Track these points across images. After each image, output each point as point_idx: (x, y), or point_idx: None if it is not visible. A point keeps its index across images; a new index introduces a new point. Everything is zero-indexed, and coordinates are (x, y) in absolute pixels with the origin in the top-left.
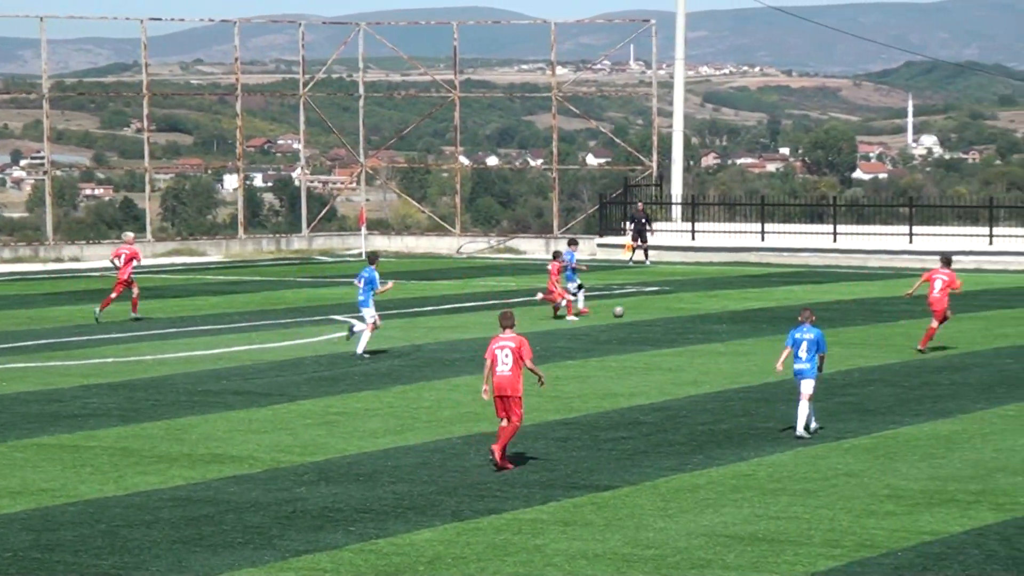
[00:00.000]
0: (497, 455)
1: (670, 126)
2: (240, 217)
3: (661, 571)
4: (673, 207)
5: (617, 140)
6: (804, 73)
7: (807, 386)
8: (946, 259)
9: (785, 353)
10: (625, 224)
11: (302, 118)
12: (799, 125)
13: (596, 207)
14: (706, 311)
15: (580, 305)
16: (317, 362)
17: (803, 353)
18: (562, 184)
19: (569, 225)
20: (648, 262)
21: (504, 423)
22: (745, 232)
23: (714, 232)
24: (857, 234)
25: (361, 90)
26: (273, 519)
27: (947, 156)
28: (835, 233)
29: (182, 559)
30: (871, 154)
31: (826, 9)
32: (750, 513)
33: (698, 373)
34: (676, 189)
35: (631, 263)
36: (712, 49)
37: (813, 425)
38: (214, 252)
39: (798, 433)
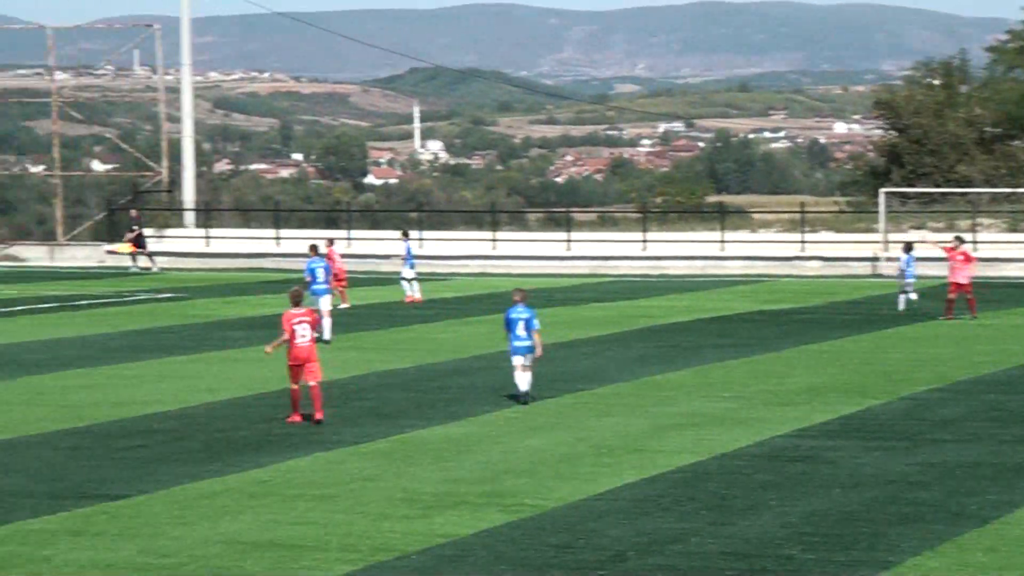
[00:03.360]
0: (320, 414)
1: (179, 131)
2: None
3: None
4: (186, 213)
5: (124, 146)
6: (314, 79)
7: (527, 360)
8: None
9: None
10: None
11: None
12: (311, 131)
13: (104, 213)
14: (222, 317)
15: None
16: None
17: (521, 332)
18: (67, 191)
19: (75, 232)
20: (156, 267)
21: (309, 383)
22: (261, 238)
23: (229, 238)
24: (370, 239)
25: None
26: None
27: (452, 161)
28: (350, 239)
29: None
30: (382, 160)
31: (333, 15)
32: (268, 519)
33: (214, 380)
34: (188, 195)
35: (136, 269)
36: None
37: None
38: None
39: (523, 393)
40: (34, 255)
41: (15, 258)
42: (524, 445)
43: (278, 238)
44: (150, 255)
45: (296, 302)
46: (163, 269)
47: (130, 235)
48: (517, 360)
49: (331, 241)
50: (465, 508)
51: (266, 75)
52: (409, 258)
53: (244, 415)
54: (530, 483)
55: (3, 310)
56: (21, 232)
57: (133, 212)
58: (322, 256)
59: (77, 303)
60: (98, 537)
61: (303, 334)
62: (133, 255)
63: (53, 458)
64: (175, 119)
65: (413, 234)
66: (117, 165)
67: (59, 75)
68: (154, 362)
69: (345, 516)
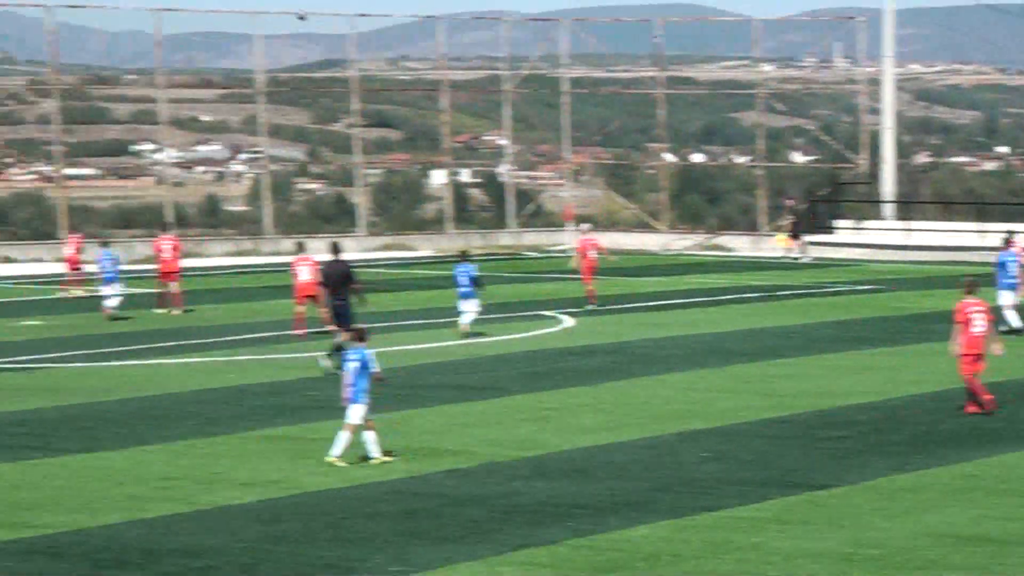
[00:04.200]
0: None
1: (879, 124)
2: (448, 212)
3: (884, 571)
4: (885, 206)
5: (824, 137)
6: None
7: None
8: None
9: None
10: (792, 220)
11: (507, 114)
12: (1018, 124)
13: (804, 205)
14: (923, 311)
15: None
16: (526, 357)
17: None
18: (768, 181)
19: (777, 223)
20: (807, 257)
21: (976, 376)
22: (962, 231)
23: (929, 231)
24: None
25: (565, 86)
26: (490, 513)
27: None
28: None
29: (402, 551)
30: None
31: None
32: (977, 514)
33: (916, 373)
34: (887, 187)
35: (796, 258)
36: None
37: None
38: (424, 247)
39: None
40: (738, 244)
41: (722, 247)
42: None
43: (981, 231)
44: (805, 243)
45: (971, 291)
46: (862, 261)
47: (787, 224)
48: None
49: (1010, 234)
50: None
51: (970, 67)
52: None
53: (947, 408)
54: None
55: (713, 299)
56: (727, 222)
57: (789, 200)
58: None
59: (779, 293)
60: (804, 526)
61: (980, 324)
62: (795, 248)
63: (759, 446)
64: (875, 111)
65: None
66: (817, 157)
67: (764, 67)
68: (855, 353)
69: None
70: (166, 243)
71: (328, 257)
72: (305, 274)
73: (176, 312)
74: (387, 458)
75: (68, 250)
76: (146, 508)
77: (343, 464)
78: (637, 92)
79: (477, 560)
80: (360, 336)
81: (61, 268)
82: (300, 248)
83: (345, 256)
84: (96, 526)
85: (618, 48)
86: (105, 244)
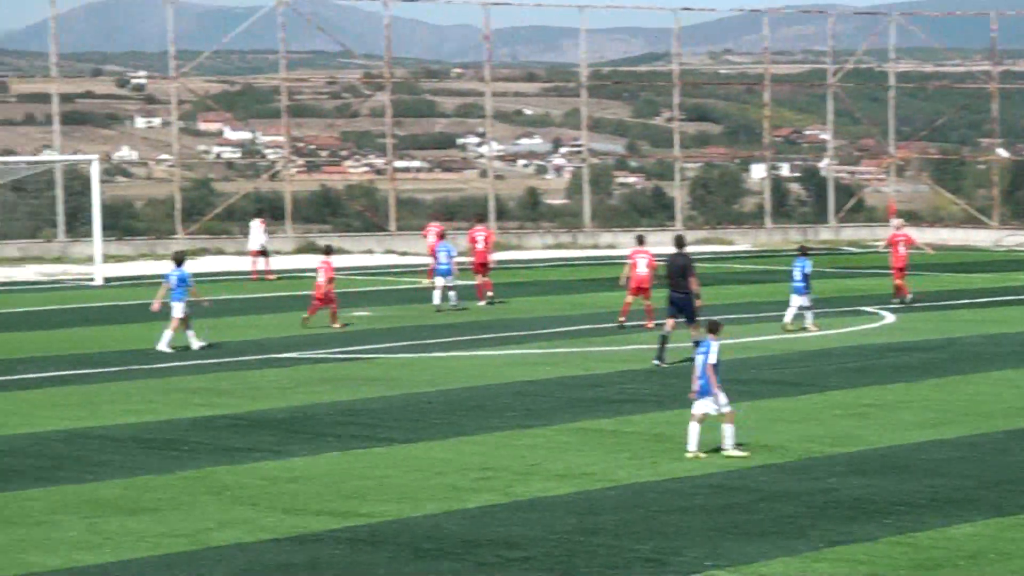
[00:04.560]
0: None
1: None
2: (767, 207)
3: None
4: None
5: None
6: None
7: None
8: None
9: None
10: None
11: (830, 108)
12: None
13: None
14: None
15: None
16: (846, 353)
17: None
18: None
19: None
20: None
21: None
22: None
23: None
24: None
25: (892, 80)
26: (806, 509)
27: None
28: None
29: (717, 546)
30: None
31: None
32: None
33: None
34: None
35: None
36: None
37: None
38: (741, 241)
39: None
40: None
41: None
42: None
43: None
44: None
45: None
46: None
47: None
48: None
49: None
50: None
51: None
52: None
53: None
54: None
55: None
56: None
57: None
58: None
59: None
60: None
61: None
62: None
63: None
64: None
65: None
66: None
67: None
68: None
69: None
70: (479, 234)
71: (671, 250)
72: (642, 267)
73: (482, 303)
74: (740, 453)
75: (430, 239)
76: (465, 498)
77: (703, 455)
78: (968, 87)
79: (792, 556)
80: (713, 328)
81: (390, 260)
82: (640, 241)
83: (688, 250)
84: (417, 515)
85: (949, 42)
86: (443, 237)
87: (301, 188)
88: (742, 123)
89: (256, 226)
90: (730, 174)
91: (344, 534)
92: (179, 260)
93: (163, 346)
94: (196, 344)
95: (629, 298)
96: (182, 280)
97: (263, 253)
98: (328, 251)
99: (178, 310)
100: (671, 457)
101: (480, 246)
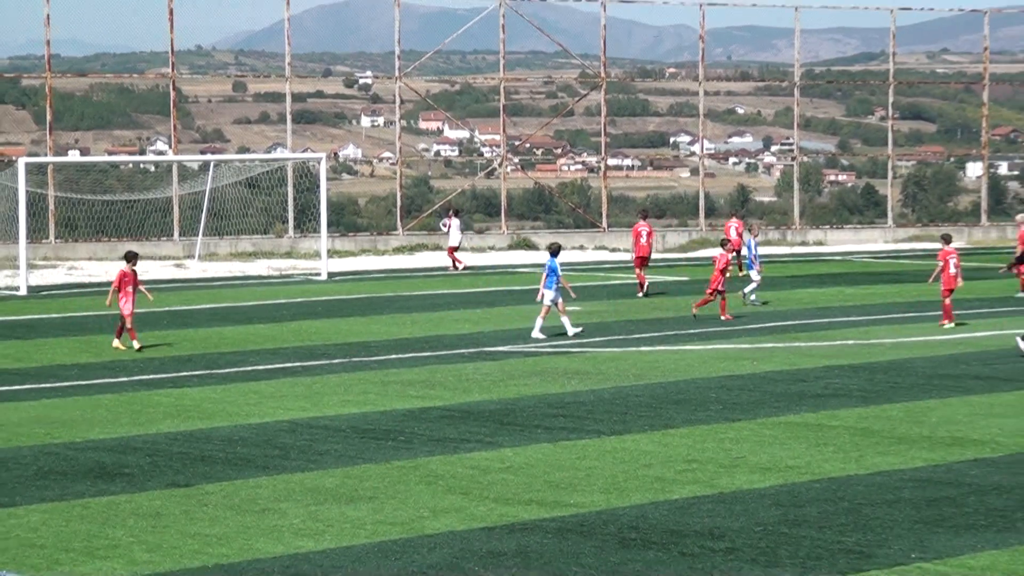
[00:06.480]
0: None
1: None
2: (983, 204)
3: None
4: None
5: None
6: None
7: None
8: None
9: None
10: None
11: None
12: None
13: None
14: None
15: None
16: None
17: None
18: None
19: None
20: None
21: None
22: None
23: None
24: None
25: None
26: (1017, 503)
27: None
28: None
29: (923, 539)
30: None
31: None
32: None
33: None
34: None
35: None
36: None
37: None
38: (956, 239)
39: None
40: None
41: None
42: None
43: None
44: None
45: None
46: None
47: None
48: None
49: None
50: None
51: None
52: None
53: None
54: None
55: None
56: None
57: None
58: None
59: None
60: None
61: None
62: None
63: None
64: None
65: None
66: None
67: None
68: None
69: None
70: (643, 228)
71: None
72: (951, 267)
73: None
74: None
75: (732, 235)
76: (671, 489)
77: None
78: None
79: (1002, 549)
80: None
81: (601, 256)
82: (946, 241)
83: None
84: (624, 506)
85: None
86: (749, 229)
87: (516, 186)
88: (958, 122)
89: (453, 223)
90: (944, 172)
91: (552, 523)
92: (555, 251)
93: (536, 333)
94: (572, 331)
95: (947, 300)
96: (552, 270)
97: (457, 248)
98: (723, 245)
99: (548, 298)
100: (877, 451)
101: (644, 241)
